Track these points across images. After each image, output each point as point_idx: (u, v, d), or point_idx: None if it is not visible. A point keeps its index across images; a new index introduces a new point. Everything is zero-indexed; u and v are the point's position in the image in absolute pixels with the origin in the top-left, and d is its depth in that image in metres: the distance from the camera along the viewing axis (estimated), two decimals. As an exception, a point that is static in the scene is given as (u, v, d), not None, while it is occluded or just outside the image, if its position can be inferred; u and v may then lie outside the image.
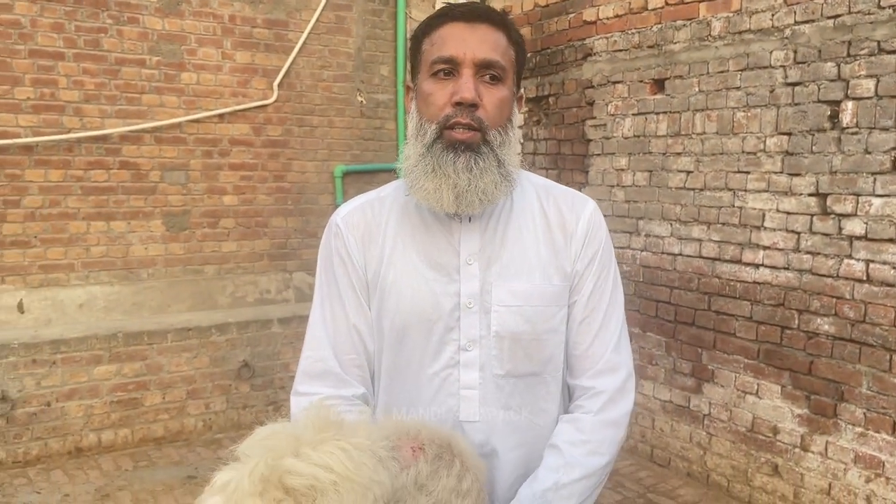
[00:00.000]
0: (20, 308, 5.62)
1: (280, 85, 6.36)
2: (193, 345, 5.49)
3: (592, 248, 1.59)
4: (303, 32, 6.38)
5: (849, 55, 3.74)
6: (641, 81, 4.88)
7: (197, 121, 6.05)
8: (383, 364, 1.58)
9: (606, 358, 1.56)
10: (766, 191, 4.18)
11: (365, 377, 1.60)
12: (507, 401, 1.54)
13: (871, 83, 3.65)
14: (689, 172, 4.61)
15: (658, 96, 4.79)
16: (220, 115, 6.14)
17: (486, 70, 1.48)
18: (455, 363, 1.53)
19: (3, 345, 4.62)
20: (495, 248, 1.56)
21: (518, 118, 1.61)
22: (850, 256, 3.78)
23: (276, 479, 0.97)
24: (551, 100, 5.64)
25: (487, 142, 1.49)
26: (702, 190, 4.54)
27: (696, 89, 4.54)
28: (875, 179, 3.66)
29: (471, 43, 1.46)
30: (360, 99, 6.78)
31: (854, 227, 3.76)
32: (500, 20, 1.51)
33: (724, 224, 4.41)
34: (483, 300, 1.53)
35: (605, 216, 1.66)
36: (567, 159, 5.48)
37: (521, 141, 5.89)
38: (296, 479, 0.96)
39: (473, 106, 1.46)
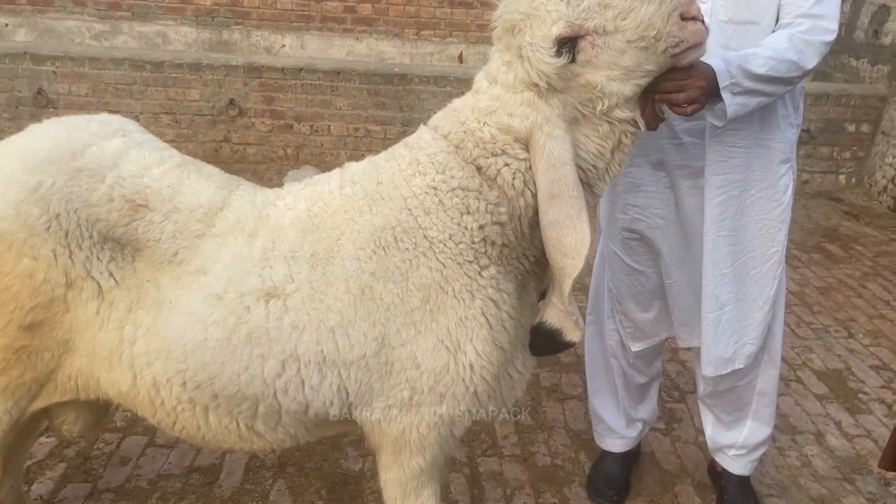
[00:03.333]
0: (460, 58, 7.03)
1: None
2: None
3: None
4: None
5: None
6: None
7: None
8: None
9: (807, 7, 1.88)
10: None
11: None
12: (728, 42, 1.96)
13: None
14: None
15: None
16: None
17: None
18: None
19: (442, 77, 5.97)
20: None
21: None
22: None
23: (502, 27, 1.64)
24: None
25: None
26: None
27: None
28: None
29: None
30: None
31: None
32: None
33: None
34: None
35: None
36: None
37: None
38: (506, 21, 1.61)
39: None
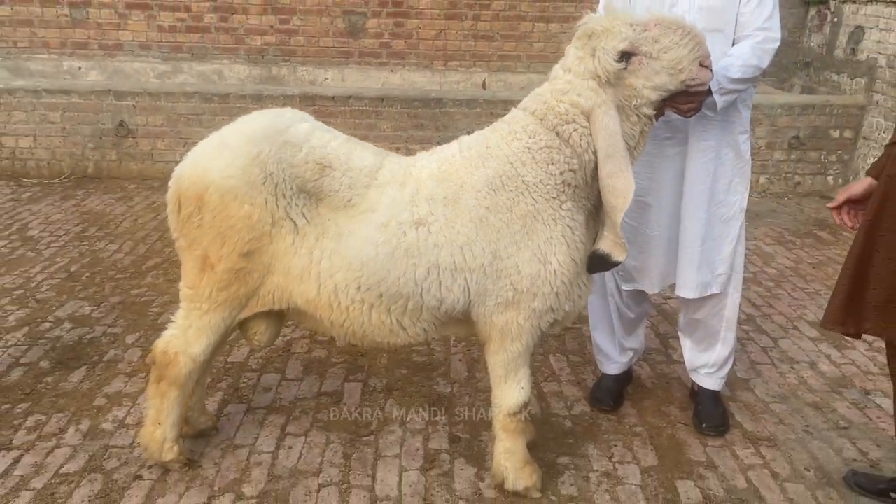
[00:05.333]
0: (483, 85, 7.84)
1: None
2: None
3: None
4: None
5: None
6: None
7: (622, -61, 7.30)
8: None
9: (761, 22, 2.68)
10: None
11: None
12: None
13: None
14: None
15: None
16: (643, -66, 7.28)
17: None
18: None
19: (472, 100, 6.77)
20: None
21: None
22: None
23: (584, 31, 2.40)
24: None
25: None
26: None
27: None
28: None
29: None
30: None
31: None
32: None
33: None
34: None
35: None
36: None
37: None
38: (588, 29, 2.37)
39: None
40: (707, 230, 2.92)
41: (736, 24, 2.74)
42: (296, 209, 2.42)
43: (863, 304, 2.47)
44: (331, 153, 2.43)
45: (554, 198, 2.42)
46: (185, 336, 2.56)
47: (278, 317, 2.69)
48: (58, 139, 6.67)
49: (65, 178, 6.67)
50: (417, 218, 2.39)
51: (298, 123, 2.48)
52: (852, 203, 2.58)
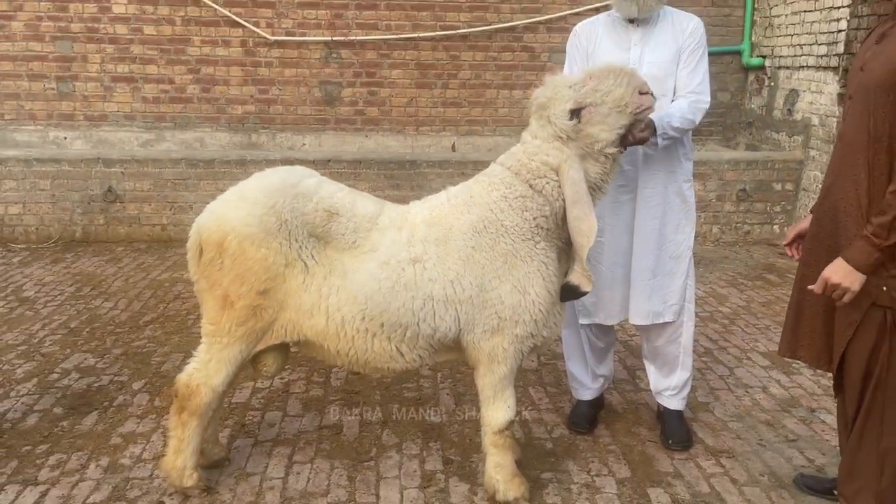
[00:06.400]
0: (453, 148, 8.34)
1: (643, -18, 7.91)
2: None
3: (694, 38, 3.21)
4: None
5: None
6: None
7: (577, 14, 7.96)
8: None
9: (693, 87, 3.19)
10: None
11: None
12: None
13: None
14: None
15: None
16: (597, 9, 7.96)
17: None
18: None
19: (444, 161, 7.24)
20: (648, 39, 3.24)
21: None
22: None
23: (536, 105, 2.83)
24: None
25: None
26: None
27: None
28: None
29: None
30: (710, -10, 8.00)
31: None
32: None
33: None
34: (641, 60, 3.23)
35: None
36: None
37: None
38: (538, 102, 2.81)
39: None
40: (657, 265, 3.34)
41: (675, 90, 3.23)
42: (306, 251, 2.76)
43: (799, 334, 2.83)
44: (337, 202, 2.80)
45: (529, 238, 2.80)
46: (207, 369, 2.85)
47: (285, 349, 3.00)
48: (47, 205, 6.95)
49: (52, 242, 6.92)
50: (414, 256, 2.75)
51: (308, 178, 2.85)
52: (801, 238, 2.95)
